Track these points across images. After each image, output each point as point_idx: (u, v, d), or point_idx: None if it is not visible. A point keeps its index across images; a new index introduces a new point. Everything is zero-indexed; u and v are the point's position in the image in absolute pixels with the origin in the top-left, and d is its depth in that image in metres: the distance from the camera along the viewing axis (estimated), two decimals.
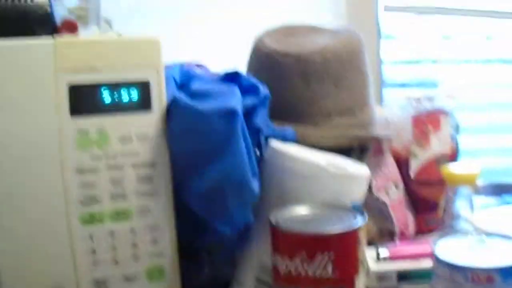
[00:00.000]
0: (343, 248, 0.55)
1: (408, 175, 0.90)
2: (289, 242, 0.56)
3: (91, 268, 0.60)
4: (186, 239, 0.63)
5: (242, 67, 0.91)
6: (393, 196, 0.84)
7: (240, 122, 0.59)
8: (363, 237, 0.57)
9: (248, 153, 0.60)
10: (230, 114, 0.58)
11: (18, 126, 0.57)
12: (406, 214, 0.87)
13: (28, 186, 0.58)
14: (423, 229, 0.91)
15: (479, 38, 2.04)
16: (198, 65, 0.94)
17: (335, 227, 0.55)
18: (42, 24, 0.65)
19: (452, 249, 0.60)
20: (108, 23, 1.08)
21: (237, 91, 0.62)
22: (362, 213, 0.58)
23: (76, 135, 0.58)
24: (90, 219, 0.59)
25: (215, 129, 0.58)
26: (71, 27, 0.66)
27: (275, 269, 0.57)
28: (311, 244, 0.54)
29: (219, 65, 0.95)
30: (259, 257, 0.66)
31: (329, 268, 0.54)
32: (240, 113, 0.59)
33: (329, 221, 0.58)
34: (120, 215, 0.60)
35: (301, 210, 0.60)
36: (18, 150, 0.57)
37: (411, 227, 0.88)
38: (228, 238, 0.62)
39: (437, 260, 0.59)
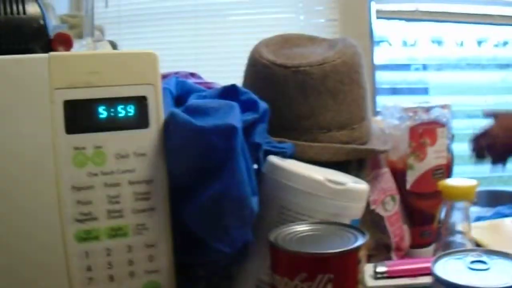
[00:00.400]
0: (344, 269, 0.54)
1: (404, 187, 0.89)
2: (289, 262, 0.55)
3: (86, 285, 0.59)
4: (184, 256, 0.62)
5: (234, 77, 0.90)
6: (390, 210, 0.83)
7: (240, 139, 0.58)
8: (363, 257, 0.56)
9: (248, 170, 0.59)
10: (229, 131, 0.57)
11: (13, 143, 0.56)
12: (402, 227, 0.86)
13: (23, 203, 0.56)
14: (418, 242, 0.91)
15: (470, 43, 2.04)
16: (192, 74, 0.93)
17: (336, 248, 0.55)
18: (36, 37, 0.64)
19: (451, 268, 0.59)
20: (101, 31, 1.07)
21: (236, 106, 0.60)
22: (362, 232, 0.58)
23: (72, 152, 0.57)
24: (86, 237, 0.58)
25: (213, 146, 0.57)
26: (65, 40, 0.65)
27: None
28: (312, 264, 0.54)
29: (213, 74, 0.95)
30: (256, 274, 0.65)
31: None
32: (240, 130, 0.58)
33: (329, 240, 0.57)
34: (116, 232, 0.59)
35: (300, 228, 0.59)
36: (13, 167, 0.56)
37: (407, 240, 0.87)
38: (226, 256, 0.60)
39: (436, 280, 0.58)
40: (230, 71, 1.04)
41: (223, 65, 1.54)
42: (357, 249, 0.55)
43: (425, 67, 2.26)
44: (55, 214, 0.57)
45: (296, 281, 0.54)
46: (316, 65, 0.75)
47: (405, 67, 2.19)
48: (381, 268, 0.72)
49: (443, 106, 0.91)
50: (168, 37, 1.82)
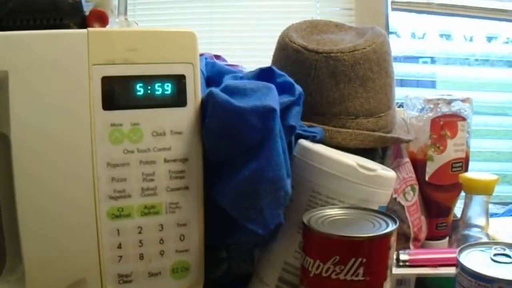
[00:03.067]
0: (376, 253, 0.55)
1: (423, 178, 0.89)
2: (322, 244, 0.55)
3: (116, 263, 0.59)
4: (214, 237, 0.62)
5: (249, 62, 0.90)
6: (410, 200, 0.83)
7: (278, 120, 0.58)
8: (394, 242, 0.57)
9: (283, 152, 0.59)
10: (268, 112, 0.57)
11: (50, 119, 0.56)
12: (421, 218, 0.86)
13: (58, 179, 0.56)
14: (433, 234, 0.91)
15: (480, 38, 2.03)
16: (216, 56, 0.93)
17: (369, 232, 0.55)
18: (71, 13, 0.64)
19: (475, 259, 0.60)
20: None
21: (274, 89, 0.60)
22: (392, 218, 0.58)
23: (109, 128, 0.57)
24: (118, 214, 0.58)
25: (252, 127, 0.57)
26: (101, 17, 0.65)
27: (304, 270, 0.57)
28: (346, 248, 0.54)
29: (234, 57, 0.95)
30: (284, 257, 0.65)
31: (360, 273, 0.54)
32: (278, 112, 0.58)
33: (361, 224, 0.58)
34: (149, 210, 0.59)
35: (332, 212, 0.60)
36: (49, 143, 0.56)
37: (425, 231, 0.88)
38: (258, 238, 0.61)
39: (462, 270, 0.58)
40: (244, 56, 1.04)
41: (237, 50, 1.53)
42: (390, 234, 0.56)
43: (433, 60, 2.26)
44: (89, 190, 0.57)
45: (329, 264, 0.54)
46: (347, 52, 0.75)
47: (413, 59, 2.19)
48: (403, 256, 0.72)
49: (464, 100, 0.91)
50: (182, 20, 1.81)
